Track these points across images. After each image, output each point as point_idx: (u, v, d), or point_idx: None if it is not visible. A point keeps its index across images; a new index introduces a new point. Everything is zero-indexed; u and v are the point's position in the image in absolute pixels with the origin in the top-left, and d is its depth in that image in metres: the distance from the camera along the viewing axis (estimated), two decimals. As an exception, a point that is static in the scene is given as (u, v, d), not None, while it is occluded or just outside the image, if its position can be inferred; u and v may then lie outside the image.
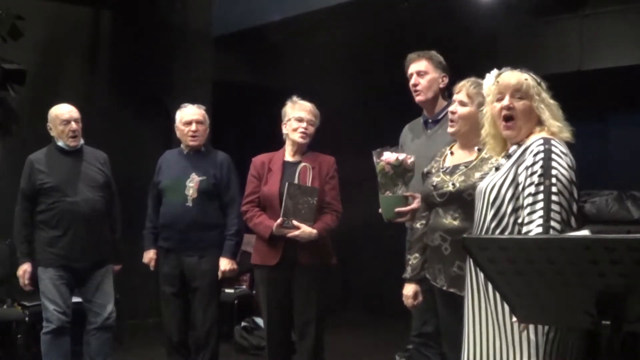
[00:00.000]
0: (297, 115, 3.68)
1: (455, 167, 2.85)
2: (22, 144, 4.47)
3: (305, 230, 3.56)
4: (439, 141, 3.35)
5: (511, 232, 2.31)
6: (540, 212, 2.18)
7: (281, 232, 3.57)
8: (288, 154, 3.76)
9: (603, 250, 1.51)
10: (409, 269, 3.01)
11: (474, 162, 2.81)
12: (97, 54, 6.47)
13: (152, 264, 4.19)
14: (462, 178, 2.77)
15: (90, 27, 6.41)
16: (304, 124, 3.68)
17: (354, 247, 6.89)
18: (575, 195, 2.25)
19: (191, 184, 4.03)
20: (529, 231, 2.20)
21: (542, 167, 2.23)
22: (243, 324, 5.63)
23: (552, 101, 2.38)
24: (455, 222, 2.76)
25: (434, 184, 2.86)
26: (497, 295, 2.35)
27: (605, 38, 5.54)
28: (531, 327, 2.28)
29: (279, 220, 3.54)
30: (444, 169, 2.90)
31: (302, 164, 3.67)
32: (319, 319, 3.69)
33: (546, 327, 2.27)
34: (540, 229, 2.17)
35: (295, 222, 3.55)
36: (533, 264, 1.62)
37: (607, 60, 5.53)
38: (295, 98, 3.78)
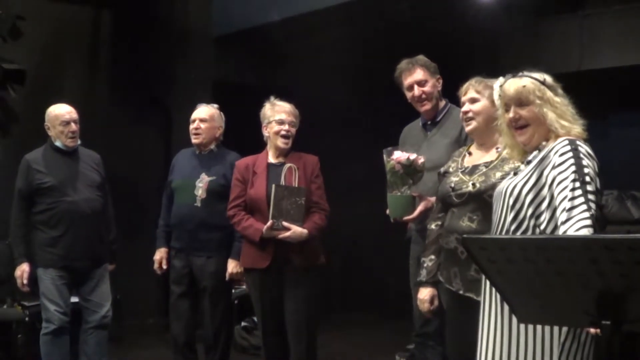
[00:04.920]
0: (278, 118, 3.68)
1: (475, 167, 2.78)
2: (22, 144, 4.46)
3: (296, 230, 3.54)
4: (438, 144, 3.36)
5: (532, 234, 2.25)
6: (584, 207, 2.09)
7: (271, 234, 3.54)
8: (271, 156, 3.75)
9: (603, 250, 1.51)
10: (424, 271, 2.91)
11: (495, 162, 2.75)
12: (97, 54, 6.46)
13: (163, 262, 4.17)
14: (483, 178, 2.71)
15: (90, 27, 6.40)
16: (286, 126, 3.68)
17: (354, 248, 6.89)
18: (600, 199, 2.18)
19: (200, 184, 4.02)
20: (569, 228, 2.09)
21: (573, 164, 2.18)
22: (243, 324, 5.63)
23: (558, 99, 2.33)
24: (473, 225, 2.68)
25: (452, 184, 2.78)
26: None
27: (605, 38, 5.55)
28: (547, 335, 2.23)
29: (269, 223, 3.52)
30: (463, 169, 2.83)
31: (287, 165, 3.66)
32: (310, 319, 3.67)
33: (562, 336, 2.21)
34: (588, 222, 2.06)
35: (285, 224, 3.53)
36: (533, 264, 1.62)
37: (607, 60, 5.54)
38: (273, 99, 3.77)
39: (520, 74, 2.40)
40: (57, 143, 4.05)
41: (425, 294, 2.91)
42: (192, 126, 4.12)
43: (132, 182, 6.18)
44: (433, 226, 2.93)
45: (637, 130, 5.85)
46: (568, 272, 1.59)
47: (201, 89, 6.25)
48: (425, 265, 2.91)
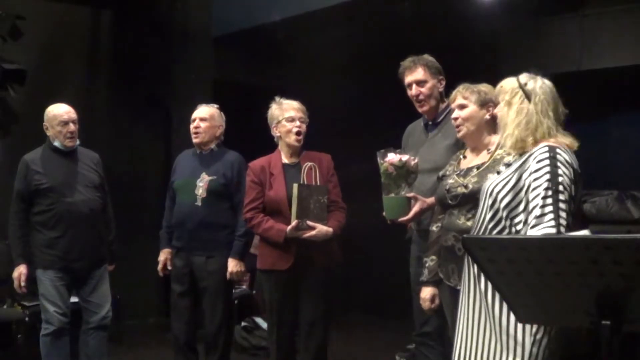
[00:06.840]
0: (288, 116, 3.65)
1: (469, 170, 2.87)
2: (22, 144, 4.46)
3: (321, 229, 3.51)
4: (439, 145, 3.36)
5: (508, 234, 2.34)
6: (551, 215, 2.19)
7: (295, 235, 3.50)
8: (285, 157, 3.71)
9: (603, 250, 1.51)
10: (425, 271, 2.98)
11: (487, 163, 2.82)
12: (97, 54, 6.46)
13: (167, 263, 4.17)
14: (476, 179, 2.78)
15: (90, 27, 6.41)
16: (297, 123, 3.65)
17: (354, 248, 6.87)
18: (573, 207, 2.27)
19: (201, 184, 4.02)
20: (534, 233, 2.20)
21: (548, 172, 2.25)
22: (243, 324, 5.64)
23: (529, 106, 2.37)
24: (469, 223, 2.75)
25: (447, 187, 2.87)
26: (490, 291, 2.40)
27: (605, 38, 5.54)
28: (519, 326, 2.32)
29: (294, 223, 3.47)
30: (458, 171, 2.91)
31: (308, 164, 3.63)
32: (326, 317, 3.67)
33: (534, 328, 2.30)
34: (553, 230, 2.17)
35: (310, 223, 3.50)
36: (533, 264, 1.62)
37: (607, 60, 5.53)
38: (278, 99, 3.74)
39: (522, 73, 2.46)
40: (56, 143, 4.03)
41: (426, 293, 3.00)
42: (192, 125, 4.13)
43: (131, 182, 6.19)
44: (434, 228, 2.99)
45: (637, 130, 5.84)
46: (568, 272, 1.59)
47: (201, 89, 6.25)
48: (427, 265, 2.98)
